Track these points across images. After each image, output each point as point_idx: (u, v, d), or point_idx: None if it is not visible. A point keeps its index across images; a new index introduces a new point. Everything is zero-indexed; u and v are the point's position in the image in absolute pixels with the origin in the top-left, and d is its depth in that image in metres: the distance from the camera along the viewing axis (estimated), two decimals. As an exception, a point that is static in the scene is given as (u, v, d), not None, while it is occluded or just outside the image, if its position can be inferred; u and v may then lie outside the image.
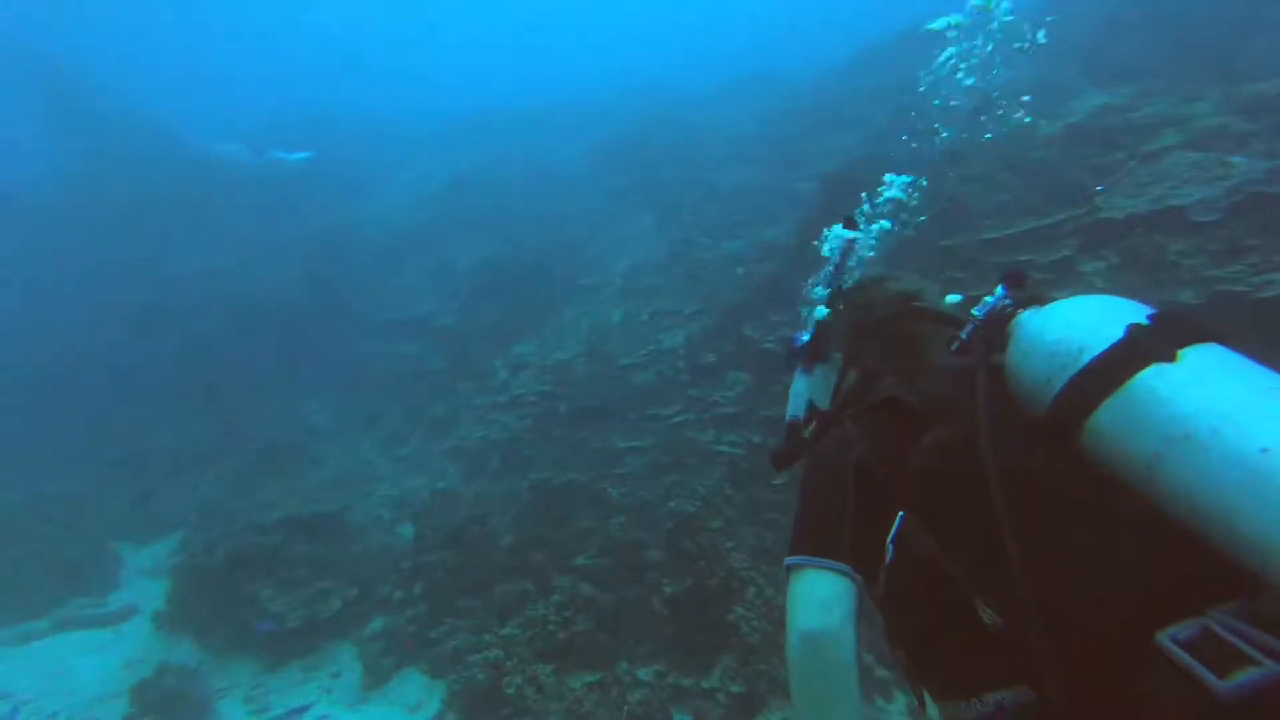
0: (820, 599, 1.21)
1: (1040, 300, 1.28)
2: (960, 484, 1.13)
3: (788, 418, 1.75)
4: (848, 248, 1.94)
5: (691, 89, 20.41)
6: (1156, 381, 0.97)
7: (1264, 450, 0.84)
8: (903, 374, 1.42)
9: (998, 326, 1.28)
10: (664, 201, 12.78)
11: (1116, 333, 1.03)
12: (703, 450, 7.74)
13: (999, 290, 1.37)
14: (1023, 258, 6.49)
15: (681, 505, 5.71)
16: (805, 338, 1.85)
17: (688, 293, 10.55)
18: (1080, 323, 1.10)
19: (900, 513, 1.20)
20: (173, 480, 10.39)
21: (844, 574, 1.23)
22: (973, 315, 1.39)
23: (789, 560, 1.28)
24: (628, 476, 7.70)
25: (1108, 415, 1.00)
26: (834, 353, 1.75)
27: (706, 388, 8.59)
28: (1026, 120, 7.82)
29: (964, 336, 1.35)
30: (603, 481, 7.45)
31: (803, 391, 1.77)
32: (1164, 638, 0.87)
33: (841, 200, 8.39)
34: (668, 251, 11.49)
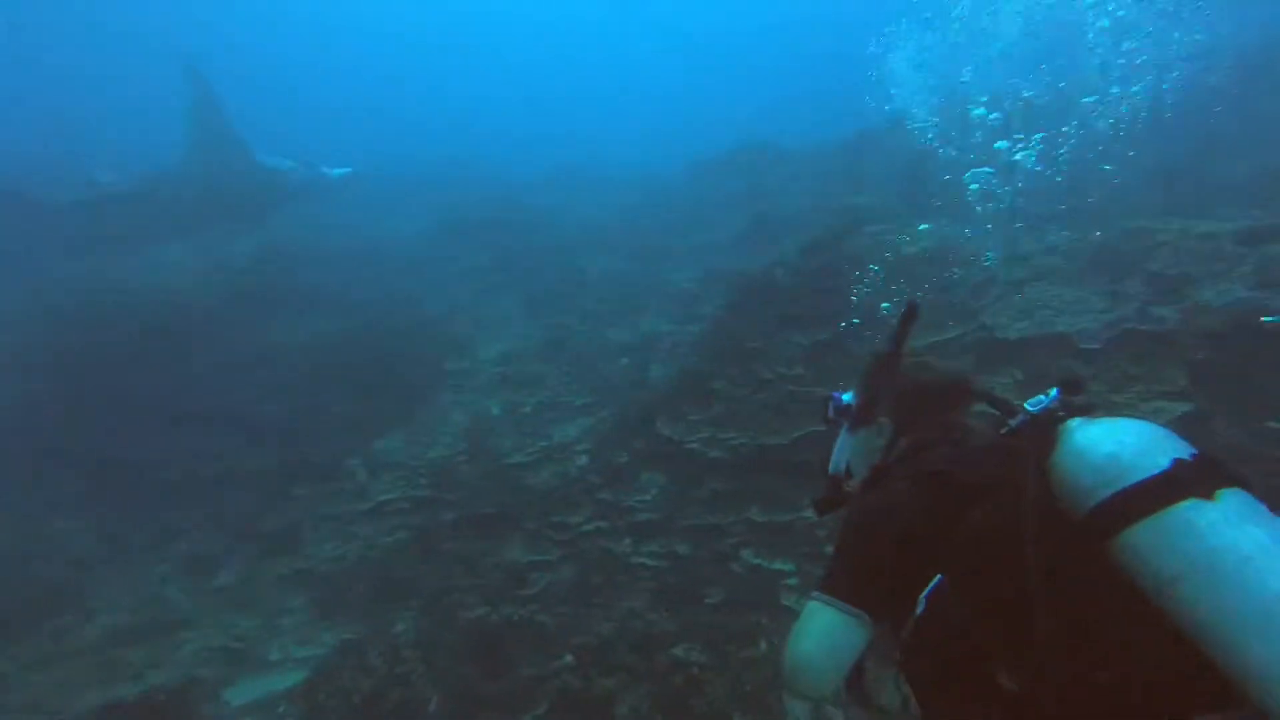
0: (833, 643, 1.33)
1: (1089, 410, 1.41)
2: (1000, 565, 1.25)
3: (831, 470, 1.85)
4: (911, 314, 2.01)
5: (515, 171, 20.01)
6: (1193, 514, 1.11)
7: (1278, 595, 0.99)
8: (953, 447, 1.55)
9: (1048, 425, 1.40)
10: (530, 284, 12.18)
11: (1163, 462, 1.19)
12: (621, 563, 7.11)
13: (1053, 392, 1.50)
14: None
15: (689, 654, 5.03)
16: (847, 397, 1.94)
17: (573, 383, 9.98)
18: (1132, 445, 1.24)
19: (938, 575, 1.35)
20: None
21: (864, 624, 1.33)
22: (1024, 408, 1.51)
23: (818, 594, 1.38)
24: (548, 597, 6.74)
25: (1143, 532, 1.13)
26: (881, 417, 1.82)
27: (618, 490, 8.01)
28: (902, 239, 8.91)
29: (1013, 425, 1.49)
30: (527, 609, 6.41)
31: (847, 449, 1.85)
32: None
33: (749, 298, 8.51)
34: (543, 337, 10.85)
